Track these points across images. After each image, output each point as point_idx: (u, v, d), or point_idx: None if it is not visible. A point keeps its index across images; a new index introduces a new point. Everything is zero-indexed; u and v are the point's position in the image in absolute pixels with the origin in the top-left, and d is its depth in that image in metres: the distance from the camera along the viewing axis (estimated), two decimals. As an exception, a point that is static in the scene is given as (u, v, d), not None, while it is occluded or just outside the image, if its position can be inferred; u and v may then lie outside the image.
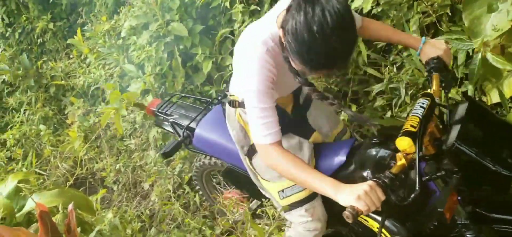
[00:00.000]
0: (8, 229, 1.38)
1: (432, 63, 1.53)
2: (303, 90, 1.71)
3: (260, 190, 1.88)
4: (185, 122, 2.13)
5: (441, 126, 1.44)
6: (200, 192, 2.58)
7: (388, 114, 2.35)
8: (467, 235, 1.36)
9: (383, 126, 2.23)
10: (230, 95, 1.68)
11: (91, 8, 4.13)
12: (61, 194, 1.78)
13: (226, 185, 2.49)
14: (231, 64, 2.79)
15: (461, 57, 1.84)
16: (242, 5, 2.57)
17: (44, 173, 3.46)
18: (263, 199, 2.07)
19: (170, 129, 2.25)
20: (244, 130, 1.71)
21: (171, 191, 2.94)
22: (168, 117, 2.24)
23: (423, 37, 1.59)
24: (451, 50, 2.02)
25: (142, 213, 2.89)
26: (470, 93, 1.84)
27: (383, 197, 1.18)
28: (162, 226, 2.58)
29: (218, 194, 2.52)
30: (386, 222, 1.54)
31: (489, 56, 1.62)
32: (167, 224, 2.81)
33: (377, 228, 1.57)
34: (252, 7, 2.56)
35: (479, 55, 1.64)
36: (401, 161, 1.28)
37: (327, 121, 1.88)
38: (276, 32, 1.37)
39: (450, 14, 2.02)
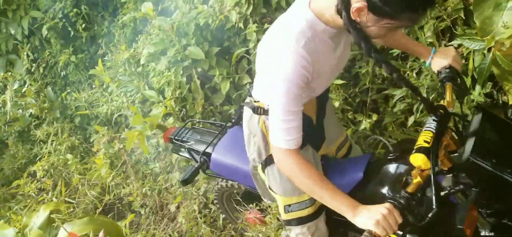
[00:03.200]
0: (45, 260, 1.43)
1: (444, 72, 1.53)
2: (323, 97, 1.62)
3: (264, 198, 1.89)
4: (201, 148, 2.15)
5: (456, 138, 1.41)
6: (223, 215, 2.63)
7: (411, 119, 2.33)
8: None
9: (398, 140, 2.21)
10: (254, 101, 1.60)
11: (110, 38, 4.27)
12: (91, 222, 1.83)
13: (245, 205, 2.52)
14: (250, 83, 2.85)
15: (477, 59, 1.83)
16: (256, 24, 2.62)
17: (74, 201, 3.56)
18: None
19: (187, 155, 2.29)
20: (266, 139, 1.63)
21: (197, 212, 2.98)
22: (185, 144, 2.27)
23: (433, 48, 1.61)
24: (465, 51, 2.03)
25: (170, 235, 2.93)
26: (477, 92, 1.82)
27: (400, 220, 1.16)
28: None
29: (240, 214, 2.54)
30: None
31: (498, 56, 1.61)
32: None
33: None
34: (266, 26, 2.61)
35: (490, 55, 1.64)
36: (416, 179, 1.25)
37: (335, 129, 1.87)
38: (312, 18, 1.28)
39: (464, 17, 2.02)
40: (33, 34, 4.98)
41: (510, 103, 1.79)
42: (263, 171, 1.70)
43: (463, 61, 2.06)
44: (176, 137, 2.34)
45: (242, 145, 1.92)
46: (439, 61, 1.56)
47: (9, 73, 5.08)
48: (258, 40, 2.69)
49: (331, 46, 1.36)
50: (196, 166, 2.06)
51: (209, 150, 2.11)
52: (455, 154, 1.36)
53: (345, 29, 1.23)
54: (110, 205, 3.71)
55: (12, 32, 4.95)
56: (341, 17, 1.20)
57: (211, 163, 2.07)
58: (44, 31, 4.67)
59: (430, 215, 1.19)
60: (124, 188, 3.60)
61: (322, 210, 1.71)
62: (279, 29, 1.37)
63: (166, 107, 2.86)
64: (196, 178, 3.07)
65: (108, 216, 3.44)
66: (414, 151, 1.25)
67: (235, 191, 2.40)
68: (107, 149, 3.63)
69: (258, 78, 1.58)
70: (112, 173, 3.59)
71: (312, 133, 1.64)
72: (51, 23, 4.61)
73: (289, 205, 1.67)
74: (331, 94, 2.58)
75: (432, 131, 1.28)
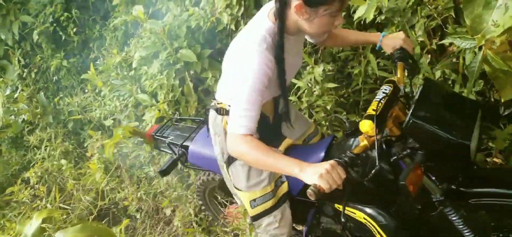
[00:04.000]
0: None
1: (397, 53, 1.71)
2: (280, 101, 1.77)
3: (234, 196, 1.97)
4: (180, 141, 2.23)
5: (405, 109, 1.52)
6: (207, 213, 2.66)
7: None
8: (446, 211, 1.43)
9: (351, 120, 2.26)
10: (218, 103, 1.73)
11: (102, 42, 4.25)
12: (84, 229, 1.82)
13: (221, 198, 2.56)
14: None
15: (468, 58, 1.83)
16: (248, 26, 2.61)
17: (68, 207, 3.53)
18: None
19: (167, 149, 2.36)
20: None
21: (193, 216, 2.97)
22: (165, 139, 2.34)
23: (382, 33, 1.80)
24: (456, 50, 2.03)
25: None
26: (468, 90, 1.83)
27: (344, 175, 1.25)
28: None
29: (222, 210, 2.57)
30: (371, 211, 1.63)
31: (489, 54, 1.61)
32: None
33: (364, 218, 1.65)
34: (258, 27, 2.60)
35: (481, 54, 1.64)
36: (363, 142, 1.36)
37: (298, 125, 1.97)
38: (271, 27, 1.47)
39: (454, 16, 2.02)
40: (24, 39, 4.94)
41: (502, 100, 1.79)
42: (227, 171, 1.81)
43: (454, 59, 2.07)
44: (157, 134, 2.42)
45: None
46: (390, 42, 1.75)
47: (1, 79, 5.04)
48: (250, 42, 2.68)
49: (286, 49, 1.54)
50: (175, 157, 2.15)
51: (187, 143, 2.18)
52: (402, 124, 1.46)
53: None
54: (105, 210, 3.69)
55: (3, 37, 4.91)
56: (281, 22, 1.44)
57: (189, 155, 2.14)
58: (35, 36, 4.64)
59: (373, 171, 1.29)
60: (119, 192, 3.58)
61: (285, 198, 1.83)
62: (244, 39, 1.54)
63: (159, 110, 2.85)
64: (190, 181, 3.09)
65: (103, 221, 3.41)
66: (363, 118, 1.37)
67: (216, 186, 2.44)
68: (101, 154, 3.61)
69: (222, 81, 1.72)
70: (107, 178, 3.57)
71: (267, 131, 1.77)
72: (42, 27, 4.57)
73: (254, 200, 1.77)
74: (323, 97, 2.58)
75: (379, 101, 1.39)
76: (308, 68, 2.54)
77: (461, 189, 1.45)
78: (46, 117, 4.47)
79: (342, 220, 1.47)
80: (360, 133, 1.48)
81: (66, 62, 4.62)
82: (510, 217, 1.49)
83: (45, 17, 4.58)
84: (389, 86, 1.48)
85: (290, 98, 2.68)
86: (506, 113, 2.04)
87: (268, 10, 1.53)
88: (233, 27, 2.68)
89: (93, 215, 3.44)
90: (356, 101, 2.68)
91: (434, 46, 2.12)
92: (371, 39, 1.87)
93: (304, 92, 2.59)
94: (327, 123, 2.65)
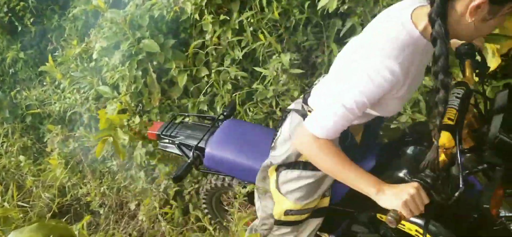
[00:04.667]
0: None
1: (464, 49, 1.45)
2: (373, 126, 1.51)
3: (257, 201, 1.76)
4: (193, 142, 2.05)
5: (478, 116, 1.37)
6: (209, 216, 2.48)
7: (403, 118, 2.22)
8: (510, 227, 1.30)
9: (412, 124, 2.13)
10: (309, 110, 1.51)
11: (61, 33, 4.08)
12: (41, 228, 1.73)
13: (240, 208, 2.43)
14: (207, 75, 2.80)
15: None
16: (212, 15, 2.58)
17: (27, 205, 3.39)
18: None
19: (177, 151, 2.16)
20: None
21: (158, 209, 2.92)
22: (174, 139, 2.16)
23: None
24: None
25: (130, 234, 2.86)
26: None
27: (427, 200, 1.10)
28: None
29: (227, 217, 2.48)
30: (428, 224, 1.43)
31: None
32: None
33: (416, 231, 1.47)
34: (222, 17, 2.57)
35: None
36: (441, 157, 1.17)
37: None
38: (415, 34, 1.15)
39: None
40: (-24, 30, 4.68)
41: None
42: (277, 170, 1.61)
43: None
44: (164, 133, 2.22)
45: (238, 139, 1.93)
46: None
47: (-48, 72, 4.76)
48: (215, 31, 2.65)
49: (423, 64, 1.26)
50: (189, 161, 1.96)
51: (201, 144, 2.03)
52: (477, 134, 1.33)
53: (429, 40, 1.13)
54: (67, 207, 3.57)
55: (-47, 29, 4.63)
56: (433, 27, 1.08)
57: (205, 158, 1.98)
58: (-11, 27, 4.41)
59: (457, 194, 1.12)
60: (81, 188, 3.47)
61: (322, 212, 1.66)
62: (377, 33, 1.23)
63: (121, 103, 2.77)
64: (155, 174, 3.03)
65: (65, 218, 3.30)
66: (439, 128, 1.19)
67: (228, 192, 2.32)
68: (61, 149, 3.48)
69: (321, 86, 1.48)
70: (67, 173, 3.45)
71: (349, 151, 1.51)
72: (-4, 17, 4.35)
73: (291, 210, 1.60)
74: (289, 85, 2.59)
75: (455, 109, 1.22)
76: (274, 56, 2.54)
77: None
78: (2, 112, 4.26)
79: None
80: (422, 141, 1.36)
81: (23, 53, 4.40)
82: None
83: (-1, 7, 4.35)
84: (462, 89, 1.28)
85: (256, 86, 2.67)
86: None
87: (410, 9, 1.17)
88: (197, 16, 2.63)
89: (53, 213, 3.33)
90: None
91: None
92: None
93: (269, 81, 2.59)
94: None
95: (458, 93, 1.27)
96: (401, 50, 1.13)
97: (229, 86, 2.74)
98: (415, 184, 1.11)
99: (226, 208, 2.48)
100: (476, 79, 1.47)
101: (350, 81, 1.19)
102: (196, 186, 2.83)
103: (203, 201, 2.42)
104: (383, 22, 1.24)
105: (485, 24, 1.09)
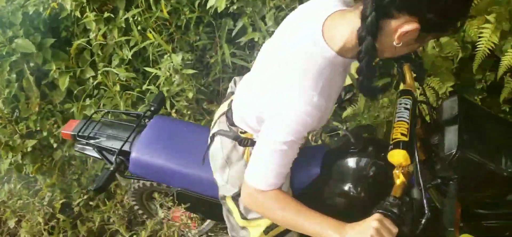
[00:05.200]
0: None
1: None
2: None
3: (230, 233, 1.60)
4: (115, 145, 1.79)
5: (423, 124, 1.28)
6: (140, 211, 2.29)
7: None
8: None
9: (356, 127, 1.98)
10: (240, 132, 1.41)
11: None
12: None
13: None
14: (93, 76, 2.61)
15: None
16: (94, 13, 2.40)
17: None
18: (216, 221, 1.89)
19: (96, 155, 1.89)
20: None
21: (43, 224, 2.66)
22: (93, 141, 1.87)
23: None
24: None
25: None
26: None
27: (395, 230, 0.98)
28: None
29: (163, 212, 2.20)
30: None
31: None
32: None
33: None
34: (106, 14, 2.41)
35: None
36: (399, 179, 1.06)
37: None
38: (331, 55, 1.07)
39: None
40: None
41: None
42: (233, 200, 1.49)
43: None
44: (80, 133, 1.89)
45: (168, 141, 1.72)
46: None
47: None
48: (99, 29, 2.47)
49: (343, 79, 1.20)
50: (111, 169, 1.71)
51: (126, 147, 1.77)
52: (427, 146, 1.24)
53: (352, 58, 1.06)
54: None
55: None
56: (361, 44, 1.00)
57: (130, 164, 1.74)
58: None
59: (423, 220, 1.02)
60: None
61: None
62: (287, 58, 1.13)
63: (-9, 110, 2.46)
64: (38, 187, 2.75)
65: None
66: (391, 146, 1.08)
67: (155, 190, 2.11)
68: None
69: (250, 101, 1.32)
70: None
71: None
72: None
73: (270, 226, 1.46)
74: (183, 85, 2.52)
75: (406, 122, 1.10)
76: (165, 56, 2.45)
77: (474, 209, 1.28)
78: None
79: None
80: (367, 152, 1.27)
81: None
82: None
83: None
84: (408, 98, 1.17)
85: (146, 87, 2.56)
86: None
87: (321, 19, 1.07)
88: (78, 14, 2.43)
89: None
90: (217, 90, 2.69)
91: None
92: None
93: (162, 82, 2.50)
94: (189, 112, 2.60)
95: (406, 104, 1.16)
96: (318, 78, 1.06)
97: (118, 88, 2.58)
98: (377, 215, 1.00)
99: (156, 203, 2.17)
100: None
101: (274, 123, 1.11)
102: (86, 197, 2.63)
103: (132, 199, 2.20)
104: (296, 32, 1.14)
105: (407, 47, 1.04)
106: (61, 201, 2.62)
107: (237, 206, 1.47)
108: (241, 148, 1.43)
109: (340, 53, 1.07)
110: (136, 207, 2.28)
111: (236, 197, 1.45)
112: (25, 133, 2.62)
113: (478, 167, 1.09)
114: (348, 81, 1.72)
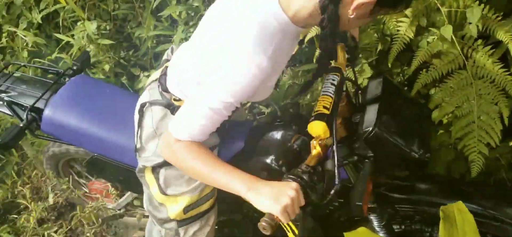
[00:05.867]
0: None
1: None
2: None
3: (149, 206, 1.51)
4: (28, 102, 1.66)
5: (349, 104, 1.30)
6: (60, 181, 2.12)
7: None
8: (371, 217, 1.28)
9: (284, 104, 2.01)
10: (174, 99, 1.34)
11: None
12: None
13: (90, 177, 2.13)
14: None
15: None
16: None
17: None
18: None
19: (6, 111, 1.73)
20: None
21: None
22: (3, 95, 1.73)
23: None
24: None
25: None
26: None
27: (303, 202, 0.99)
28: None
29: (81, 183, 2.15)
30: None
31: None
32: None
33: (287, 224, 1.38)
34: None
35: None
36: (316, 149, 1.08)
37: None
38: (284, 20, 1.06)
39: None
40: None
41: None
42: (153, 172, 1.41)
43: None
44: None
45: (88, 101, 1.64)
46: None
47: None
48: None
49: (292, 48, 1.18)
50: (21, 125, 1.58)
51: (40, 104, 1.64)
52: (349, 124, 1.26)
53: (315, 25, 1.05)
54: None
55: None
56: (324, 13, 1.00)
57: (43, 122, 1.62)
58: None
59: (332, 191, 1.04)
60: None
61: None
62: (237, 18, 1.08)
63: None
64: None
65: None
66: (312, 117, 1.10)
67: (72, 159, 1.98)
68: None
69: (188, 72, 1.26)
70: None
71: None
72: None
73: (190, 205, 1.41)
74: (99, 56, 2.33)
75: (331, 96, 1.13)
76: (79, 23, 2.24)
77: (386, 193, 1.32)
78: None
79: None
80: (291, 125, 1.25)
81: None
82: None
83: None
84: (336, 75, 1.19)
85: (61, 55, 2.33)
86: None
87: None
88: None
89: None
90: (141, 64, 2.51)
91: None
92: None
93: (75, 51, 2.29)
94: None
95: (333, 80, 1.18)
96: (269, 42, 1.04)
97: (26, 54, 2.33)
98: (294, 184, 1.00)
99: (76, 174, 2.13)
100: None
101: (216, 81, 1.07)
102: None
103: (47, 168, 2.05)
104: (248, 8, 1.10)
105: (359, 20, 1.06)
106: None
107: (157, 179, 1.41)
108: (169, 113, 1.37)
109: (294, 20, 1.07)
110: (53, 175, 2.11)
111: (157, 169, 1.40)
112: None
113: (392, 146, 1.12)
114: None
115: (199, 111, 1.09)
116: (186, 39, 2.16)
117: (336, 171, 1.05)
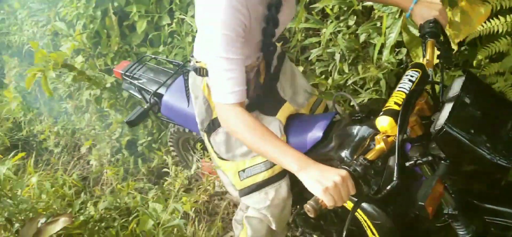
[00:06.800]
0: None
1: (428, 27, 1.30)
2: (270, 55, 1.48)
3: (217, 172, 1.68)
4: (153, 87, 1.94)
5: (432, 103, 1.23)
6: (178, 158, 2.43)
7: (330, 81, 2.22)
8: (455, 226, 1.21)
9: (370, 100, 2.04)
10: (196, 62, 1.47)
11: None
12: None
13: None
14: (168, 24, 2.67)
15: (387, 23, 1.78)
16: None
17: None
18: None
19: (137, 94, 2.07)
20: (208, 103, 1.50)
21: (109, 155, 2.86)
22: (136, 81, 2.03)
23: None
24: (377, 13, 1.97)
25: (78, 176, 2.80)
26: (385, 57, 1.76)
27: (353, 191, 0.99)
28: (95, 190, 2.50)
29: (197, 160, 2.38)
30: (366, 206, 1.34)
31: (409, 21, 1.57)
32: (104, 186, 2.76)
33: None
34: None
35: (400, 20, 1.60)
36: (379, 144, 1.06)
37: (302, 90, 1.67)
38: None
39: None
40: None
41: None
42: (209, 141, 1.54)
43: (378, 23, 2.02)
44: (127, 73, 2.09)
45: None
46: (423, 12, 1.33)
47: None
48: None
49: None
50: (145, 107, 1.87)
51: (161, 91, 1.91)
52: (427, 123, 1.20)
53: None
54: (24, 141, 3.50)
55: None
56: None
57: (162, 106, 1.87)
58: None
59: (388, 187, 1.01)
60: (37, 125, 3.39)
61: (283, 174, 1.53)
62: None
63: (76, 42, 2.63)
64: (109, 120, 2.94)
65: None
66: (381, 113, 1.07)
67: (190, 138, 2.26)
68: (18, 82, 3.36)
69: (198, 36, 1.46)
70: (24, 108, 3.35)
71: (263, 98, 1.51)
72: None
73: (243, 170, 1.49)
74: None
75: (405, 92, 1.09)
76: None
77: (476, 202, 1.23)
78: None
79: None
80: (370, 120, 1.24)
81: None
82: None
83: None
84: (417, 71, 1.15)
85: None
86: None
87: None
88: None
89: (6, 147, 3.25)
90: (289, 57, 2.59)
91: (360, 7, 2.05)
92: (401, 4, 1.44)
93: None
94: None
95: (412, 76, 1.14)
96: None
97: (190, 38, 2.61)
98: (343, 172, 0.99)
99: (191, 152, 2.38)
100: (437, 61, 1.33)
101: (210, 30, 1.17)
102: (150, 138, 2.75)
103: (170, 143, 2.37)
104: None
105: None
106: (127, 138, 2.78)
107: (211, 143, 1.54)
108: (199, 79, 1.49)
109: None
110: (173, 153, 2.40)
111: (209, 134, 1.53)
112: (103, 69, 2.79)
113: (463, 147, 1.03)
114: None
115: (217, 66, 1.17)
116: (335, 34, 2.15)
117: (396, 167, 1.01)
